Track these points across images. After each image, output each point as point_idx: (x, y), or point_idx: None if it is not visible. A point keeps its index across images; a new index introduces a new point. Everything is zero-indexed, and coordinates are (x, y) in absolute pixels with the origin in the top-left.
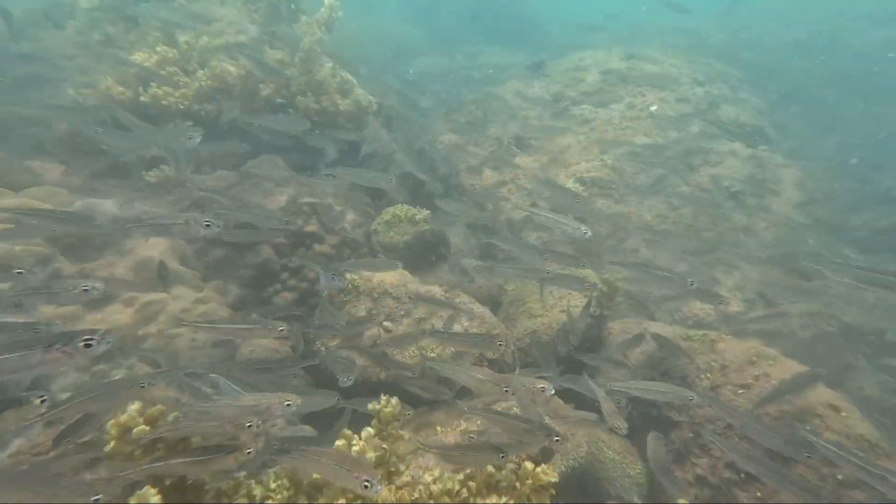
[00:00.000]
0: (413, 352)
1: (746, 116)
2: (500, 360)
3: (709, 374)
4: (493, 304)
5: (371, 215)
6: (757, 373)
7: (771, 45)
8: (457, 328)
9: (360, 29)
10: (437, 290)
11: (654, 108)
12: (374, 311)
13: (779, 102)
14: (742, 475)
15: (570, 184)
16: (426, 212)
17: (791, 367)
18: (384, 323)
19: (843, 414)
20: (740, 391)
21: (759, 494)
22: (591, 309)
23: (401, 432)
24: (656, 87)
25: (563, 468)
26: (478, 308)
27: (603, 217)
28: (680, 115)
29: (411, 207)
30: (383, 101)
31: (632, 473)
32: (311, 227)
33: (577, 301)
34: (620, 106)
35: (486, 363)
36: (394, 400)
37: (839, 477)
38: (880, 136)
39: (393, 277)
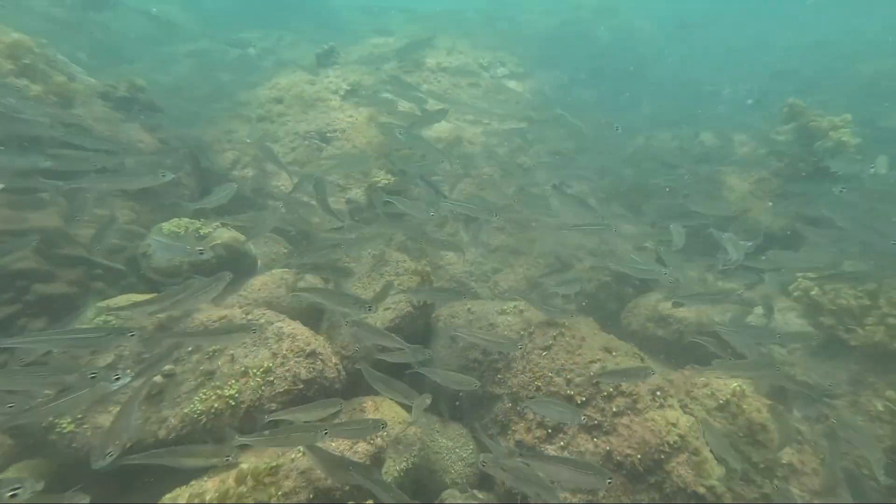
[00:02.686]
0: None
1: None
2: (319, 378)
3: (520, 343)
4: (318, 313)
5: (138, 234)
6: (555, 333)
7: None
8: (262, 353)
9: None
10: (236, 313)
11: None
12: (144, 355)
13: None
14: (549, 430)
15: (383, 175)
16: (216, 223)
17: (581, 321)
18: (165, 367)
19: (614, 354)
20: (544, 353)
21: (561, 444)
22: (415, 301)
23: None
24: (447, 72)
25: (396, 473)
26: (288, 326)
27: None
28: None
29: (194, 220)
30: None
31: (464, 455)
32: (25, 263)
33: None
34: (420, 91)
35: (300, 385)
36: None
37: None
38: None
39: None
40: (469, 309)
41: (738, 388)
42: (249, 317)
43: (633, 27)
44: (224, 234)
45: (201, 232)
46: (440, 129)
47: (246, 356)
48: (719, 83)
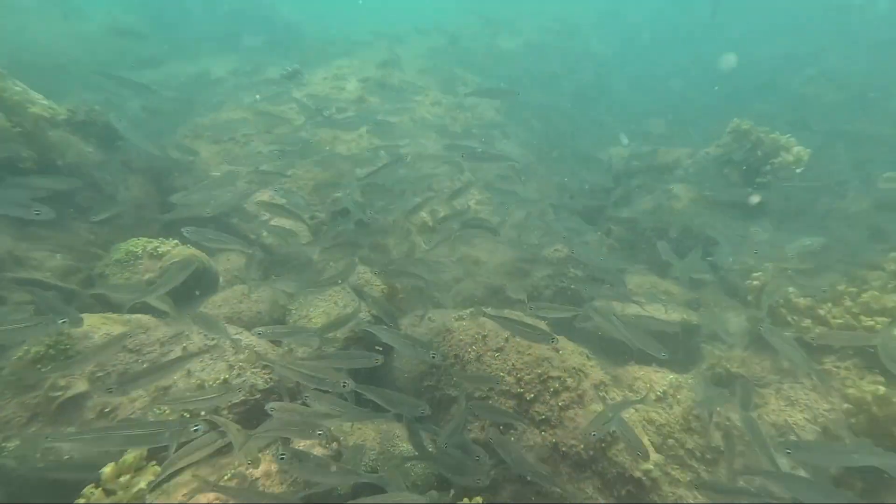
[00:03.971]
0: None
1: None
2: (277, 387)
3: (474, 346)
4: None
5: (95, 256)
6: (506, 335)
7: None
8: (219, 365)
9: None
10: (194, 331)
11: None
12: (98, 374)
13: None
14: (501, 427)
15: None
16: (173, 241)
17: (528, 320)
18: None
19: (560, 352)
20: (497, 354)
21: (513, 439)
22: (373, 310)
23: None
24: (410, 91)
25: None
26: (247, 338)
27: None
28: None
29: (151, 239)
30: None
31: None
32: None
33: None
34: (383, 111)
35: (257, 395)
36: None
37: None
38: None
39: (126, 326)
40: (429, 318)
41: (674, 380)
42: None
43: (589, 49)
44: (183, 252)
45: (159, 251)
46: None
47: (203, 369)
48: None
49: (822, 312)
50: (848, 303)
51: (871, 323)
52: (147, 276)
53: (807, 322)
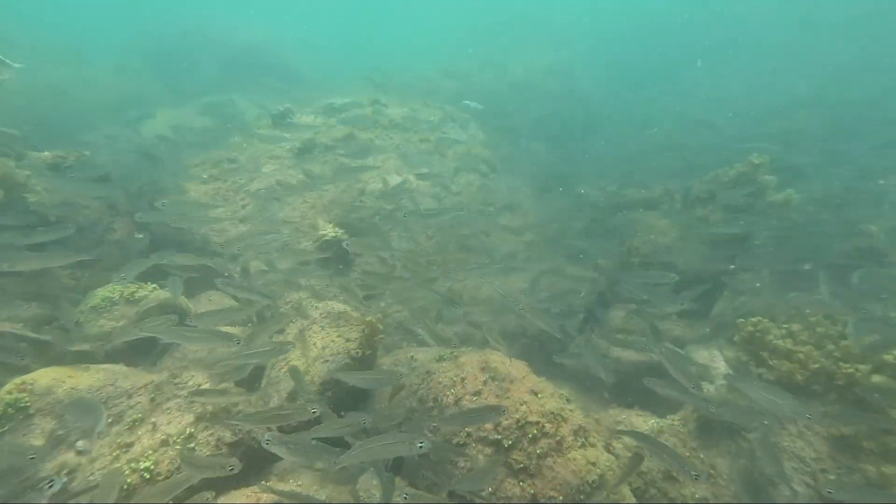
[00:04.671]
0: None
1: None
2: (247, 439)
3: (453, 389)
4: (257, 371)
5: (73, 301)
6: (484, 378)
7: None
8: (186, 418)
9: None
10: (163, 377)
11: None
12: (59, 432)
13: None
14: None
15: (331, 228)
16: (152, 286)
17: (512, 364)
18: (78, 443)
19: (539, 396)
20: (474, 398)
21: (490, 490)
22: (353, 352)
23: None
24: (399, 129)
25: None
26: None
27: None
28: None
29: (129, 284)
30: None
31: None
32: None
33: (335, 346)
34: (372, 148)
35: (223, 449)
36: None
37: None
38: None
39: (93, 378)
40: (412, 357)
41: (655, 424)
42: (176, 381)
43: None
44: (160, 296)
45: (136, 296)
46: (390, 180)
47: (169, 423)
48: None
49: (801, 356)
50: (830, 346)
51: (852, 370)
52: (122, 323)
53: (787, 366)
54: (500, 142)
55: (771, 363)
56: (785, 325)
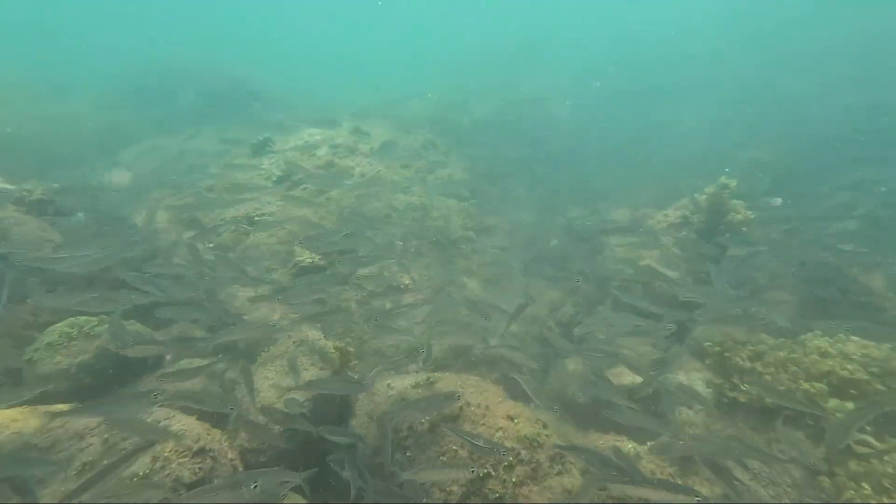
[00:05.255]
0: None
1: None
2: (207, 478)
3: (427, 416)
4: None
5: (28, 339)
6: (461, 404)
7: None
8: (142, 459)
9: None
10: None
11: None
12: None
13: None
14: None
15: (307, 255)
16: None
17: (489, 389)
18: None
19: (516, 421)
20: (451, 424)
21: None
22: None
23: None
24: (380, 156)
25: None
26: (178, 423)
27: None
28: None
29: (89, 318)
30: None
31: None
32: None
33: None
34: (354, 175)
35: (181, 490)
36: None
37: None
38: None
39: (41, 420)
40: (389, 384)
41: (632, 449)
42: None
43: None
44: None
45: (95, 330)
46: (371, 208)
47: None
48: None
49: (768, 378)
50: (793, 368)
51: (808, 387)
52: (80, 360)
53: (755, 389)
54: (480, 170)
55: (743, 387)
56: (751, 347)
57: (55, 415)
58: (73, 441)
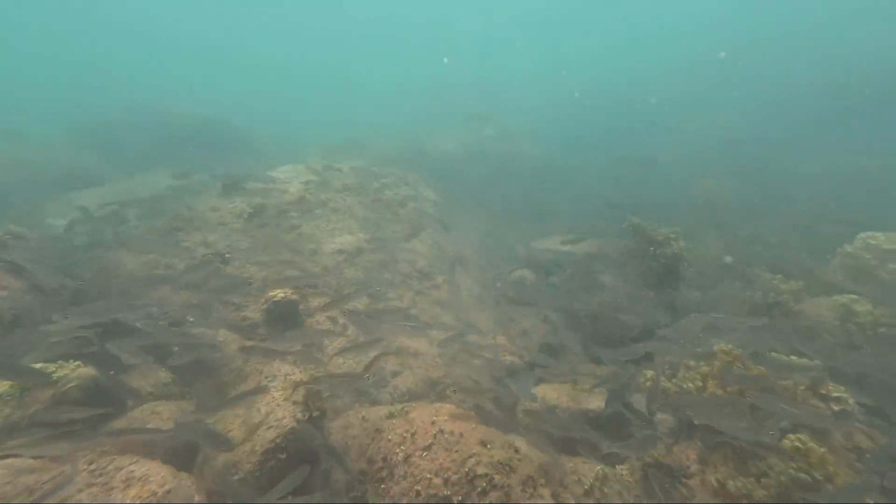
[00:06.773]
0: None
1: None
2: None
3: (402, 446)
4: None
5: None
6: (434, 431)
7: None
8: None
9: None
10: (79, 466)
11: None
12: None
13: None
14: None
15: (280, 290)
16: (74, 363)
17: (458, 414)
18: None
19: (489, 447)
20: (424, 453)
21: None
22: (299, 415)
23: None
24: (352, 191)
25: None
26: (142, 468)
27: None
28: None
29: (48, 363)
30: None
31: None
32: None
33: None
34: (326, 210)
35: None
36: None
37: None
38: None
39: None
40: (363, 417)
41: (600, 472)
42: (92, 466)
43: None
44: (83, 374)
45: (55, 375)
46: (343, 241)
47: None
48: None
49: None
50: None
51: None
52: (33, 409)
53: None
54: (453, 202)
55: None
56: (697, 372)
57: (5, 468)
58: (22, 495)
